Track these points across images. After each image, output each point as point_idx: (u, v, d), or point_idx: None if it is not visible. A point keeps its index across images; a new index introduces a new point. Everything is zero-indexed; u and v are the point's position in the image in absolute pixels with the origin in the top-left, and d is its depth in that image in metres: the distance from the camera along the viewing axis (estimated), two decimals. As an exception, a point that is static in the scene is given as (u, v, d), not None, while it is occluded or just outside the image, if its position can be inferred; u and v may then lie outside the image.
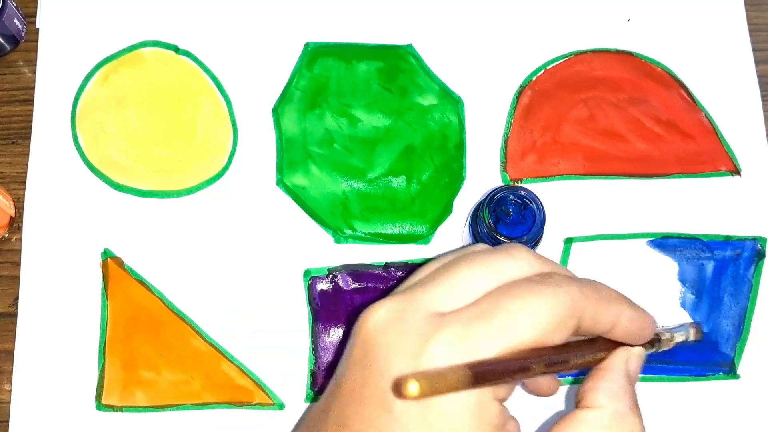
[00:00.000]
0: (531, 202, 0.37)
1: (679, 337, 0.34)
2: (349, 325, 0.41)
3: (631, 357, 0.30)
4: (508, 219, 0.37)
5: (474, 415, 0.26)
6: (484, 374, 0.24)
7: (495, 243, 0.37)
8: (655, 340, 0.32)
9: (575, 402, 0.29)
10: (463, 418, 0.26)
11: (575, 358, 0.28)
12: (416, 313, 0.27)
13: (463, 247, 0.31)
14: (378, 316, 0.27)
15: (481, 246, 0.31)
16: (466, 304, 0.27)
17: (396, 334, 0.26)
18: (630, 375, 0.29)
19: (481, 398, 0.26)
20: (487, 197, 0.37)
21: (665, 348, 0.33)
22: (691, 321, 0.38)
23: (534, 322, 0.26)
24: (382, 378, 0.26)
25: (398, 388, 0.24)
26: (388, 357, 0.26)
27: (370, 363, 0.27)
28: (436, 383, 0.23)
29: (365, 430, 0.26)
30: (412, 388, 0.22)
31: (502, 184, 0.44)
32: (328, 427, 0.28)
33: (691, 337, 0.34)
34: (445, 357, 0.25)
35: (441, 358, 0.25)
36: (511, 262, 0.28)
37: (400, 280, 0.42)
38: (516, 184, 0.44)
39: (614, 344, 0.30)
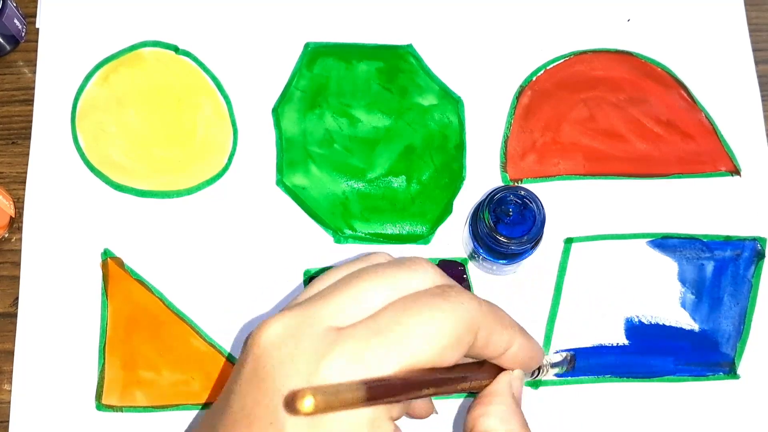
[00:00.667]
0: (531, 203, 0.37)
1: (557, 369, 0.35)
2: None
3: (514, 380, 0.30)
4: (508, 219, 0.37)
5: None
6: (379, 391, 0.24)
7: (495, 243, 0.37)
8: (535, 369, 0.33)
9: (466, 429, 0.29)
10: None
11: (464, 381, 0.28)
12: (312, 328, 0.26)
13: (365, 255, 0.31)
14: (272, 330, 0.26)
15: (382, 257, 0.31)
16: (364, 317, 0.26)
17: (290, 350, 0.26)
18: (515, 397, 0.30)
19: (375, 417, 0.25)
20: (487, 197, 0.37)
21: (542, 377, 0.34)
22: (568, 353, 0.38)
23: (432, 338, 0.26)
24: (274, 396, 0.25)
25: (291, 404, 0.23)
26: (281, 374, 0.25)
27: (261, 380, 0.26)
28: (331, 399, 0.22)
29: None
30: (307, 403, 0.21)
31: (502, 184, 0.44)
32: None
33: (566, 367, 0.35)
34: (339, 374, 0.25)
35: (336, 376, 0.25)
36: (411, 274, 0.28)
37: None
38: (516, 184, 0.44)
39: (499, 370, 0.30)
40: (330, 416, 0.25)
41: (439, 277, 0.28)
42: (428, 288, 0.28)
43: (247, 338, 0.28)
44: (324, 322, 0.26)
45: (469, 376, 0.29)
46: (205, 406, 0.40)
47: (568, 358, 0.35)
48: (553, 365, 0.35)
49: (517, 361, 0.29)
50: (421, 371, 0.26)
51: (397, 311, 0.26)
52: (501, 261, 0.39)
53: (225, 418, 0.27)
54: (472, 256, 0.42)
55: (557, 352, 0.36)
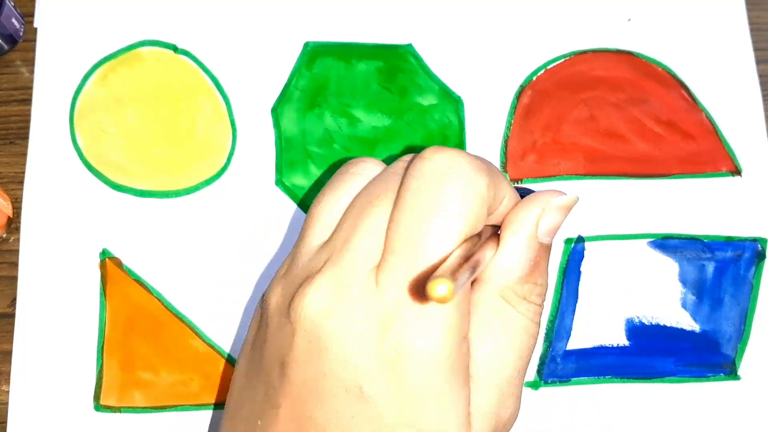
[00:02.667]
0: None
1: None
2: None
3: (548, 212, 0.27)
4: None
5: (450, 369, 0.25)
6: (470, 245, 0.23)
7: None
8: None
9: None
10: (440, 376, 0.24)
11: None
12: (353, 284, 0.25)
13: (347, 165, 0.29)
14: (315, 302, 0.25)
15: (372, 163, 0.29)
16: (384, 239, 0.25)
17: (341, 318, 0.25)
18: (536, 234, 0.26)
19: (451, 346, 0.25)
20: None
21: None
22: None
23: (469, 198, 0.24)
24: (343, 367, 0.24)
25: (423, 296, 0.22)
26: (343, 344, 0.24)
27: (320, 353, 0.25)
28: (454, 273, 0.21)
29: (337, 421, 0.25)
30: (441, 290, 0.21)
31: (502, 184, 0.44)
32: (279, 424, 0.26)
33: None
34: (407, 334, 0.24)
35: (404, 336, 0.24)
36: (388, 171, 0.27)
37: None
38: (517, 184, 0.44)
39: None
40: (409, 369, 0.24)
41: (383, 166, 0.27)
42: (409, 172, 0.26)
43: (274, 305, 0.27)
44: (359, 272, 0.25)
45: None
46: (205, 407, 0.40)
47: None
48: None
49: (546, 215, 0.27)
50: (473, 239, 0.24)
51: (409, 229, 0.24)
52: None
53: (284, 390, 0.26)
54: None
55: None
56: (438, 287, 0.21)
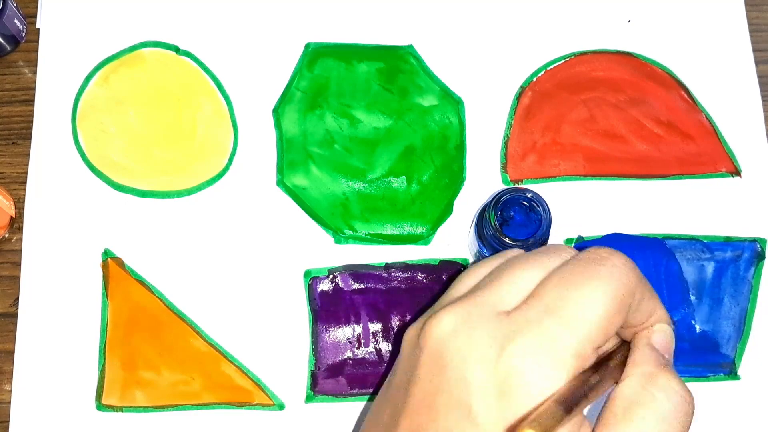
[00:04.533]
0: (538, 205, 0.37)
1: None
2: (398, 337, 0.41)
3: (655, 332, 0.28)
4: (514, 221, 0.37)
5: None
6: (572, 403, 0.24)
7: (500, 245, 0.37)
8: None
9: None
10: None
11: (617, 362, 0.27)
12: (482, 316, 0.26)
13: (498, 254, 0.32)
14: (444, 323, 0.27)
15: (519, 251, 0.31)
16: (525, 296, 0.27)
17: (466, 339, 0.26)
18: (652, 345, 0.28)
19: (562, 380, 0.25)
20: (493, 199, 0.37)
21: None
22: None
23: (600, 305, 0.25)
24: (458, 384, 0.25)
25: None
26: (463, 362, 0.26)
27: (441, 370, 0.26)
28: (546, 428, 0.23)
29: None
30: None
31: (503, 184, 0.44)
32: None
33: None
34: (522, 357, 0.25)
35: (519, 360, 0.25)
36: (558, 258, 0.28)
37: (403, 280, 0.42)
38: (517, 185, 0.44)
39: None
40: (518, 400, 0.24)
41: (576, 252, 0.28)
42: (575, 256, 0.28)
43: (409, 337, 0.28)
44: (491, 308, 0.27)
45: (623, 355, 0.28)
46: (205, 406, 0.40)
47: None
48: None
49: (658, 331, 0.29)
50: (585, 374, 0.25)
51: (559, 286, 0.26)
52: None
53: (406, 411, 0.27)
54: (476, 257, 0.42)
55: None
56: None
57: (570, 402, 0.24)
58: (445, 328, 0.27)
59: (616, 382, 0.27)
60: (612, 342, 0.30)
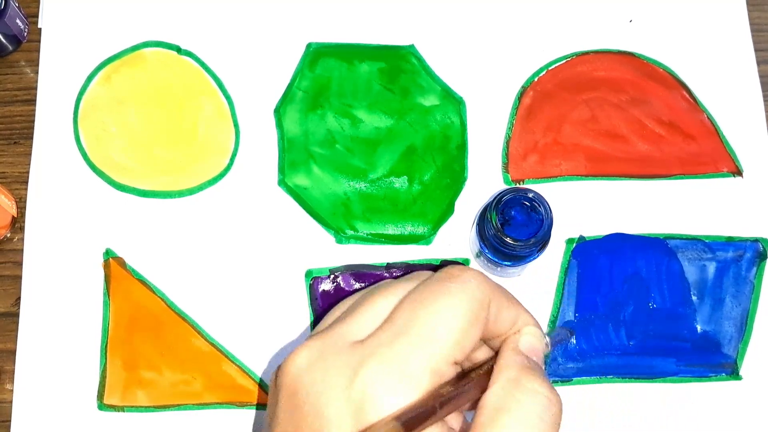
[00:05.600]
0: (539, 205, 0.37)
1: (556, 343, 0.34)
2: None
3: (522, 336, 0.29)
4: (516, 221, 0.37)
5: None
6: (413, 423, 0.24)
7: (502, 245, 0.37)
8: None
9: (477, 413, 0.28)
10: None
11: (485, 381, 0.27)
12: (335, 347, 0.27)
13: (371, 286, 0.32)
14: (298, 359, 0.27)
15: (387, 281, 0.31)
16: (380, 324, 0.27)
17: (320, 371, 0.26)
18: (518, 349, 0.28)
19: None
20: (494, 199, 0.37)
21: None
22: (566, 327, 0.39)
23: (451, 322, 0.26)
24: (315, 419, 0.25)
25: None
26: (318, 394, 0.26)
27: (297, 408, 0.26)
28: None
29: None
30: None
31: (504, 184, 0.44)
32: None
33: (566, 340, 0.35)
34: (374, 382, 0.25)
35: (370, 383, 0.25)
36: (413, 279, 0.28)
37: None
38: (519, 185, 0.44)
39: None
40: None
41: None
42: (429, 277, 0.28)
43: (275, 374, 0.28)
44: (345, 339, 0.27)
45: (483, 369, 0.28)
46: (207, 406, 0.40)
47: (568, 333, 0.35)
48: (554, 341, 0.34)
49: (525, 335, 0.29)
50: (442, 388, 0.26)
51: (411, 307, 0.27)
52: (506, 263, 0.39)
53: None
54: (478, 257, 0.42)
55: (557, 331, 0.35)
56: None
57: (412, 417, 0.24)
58: (299, 364, 0.27)
59: (483, 391, 0.27)
60: (485, 353, 0.30)
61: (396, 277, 0.42)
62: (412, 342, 0.25)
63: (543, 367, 0.29)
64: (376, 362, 0.25)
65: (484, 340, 0.30)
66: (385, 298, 0.28)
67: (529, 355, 0.28)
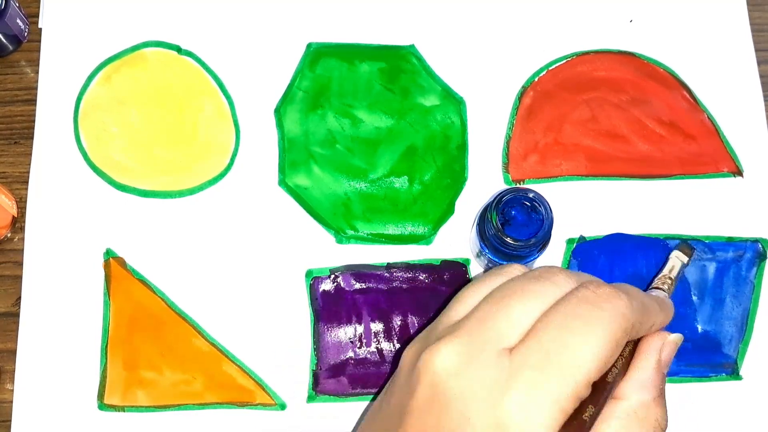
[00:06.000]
0: (539, 205, 0.37)
1: (673, 270, 0.37)
2: (396, 357, 0.41)
3: (666, 345, 0.30)
4: (516, 221, 0.37)
5: None
6: None
7: (502, 245, 0.37)
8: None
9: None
10: None
11: (616, 372, 0.29)
12: (483, 353, 0.27)
13: (496, 267, 0.32)
14: (447, 359, 0.27)
15: (518, 268, 0.32)
16: (524, 332, 0.28)
17: (468, 379, 0.27)
18: (661, 363, 0.30)
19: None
20: (495, 199, 0.37)
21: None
22: (686, 246, 0.39)
23: (598, 351, 0.27)
24: (461, 423, 0.26)
25: None
26: (465, 402, 0.26)
27: (442, 404, 0.27)
28: None
29: None
30: None
31: (504, 184, 0.44)
32: None
33: (685, 260, 0.36)
34: (523, 403, 0.26)
35: (519, 405, 0.26)
36: (555, 288, 0.29)
37: (404, 280, 0.42)
38: (519, 185, 0.44)
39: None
40: None
41: (576, 279, 0.29)
42: (573, 292, 0.28)
43: (407, 359, 0.29)
44: (492, 346, 0.27)
45: (619, 367, 0.29)
46: (207, 406, 0.40)
47: (687, 252, 0.36)
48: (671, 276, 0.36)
49: (666, 347, 0.30)
50: (584, 411, 0.27)
51: (558, 329, 0.27)
52: (506, 263, 0.39)
53: None
54: (478, 257, 0.42)
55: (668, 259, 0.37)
56: None
57: None
58: (446, 364, 0.27)
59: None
60: None
61: (397, 277, 0.42)
62: (561, 368, 0.26)
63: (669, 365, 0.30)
64: (525, 385, 0.26)
65: None
66: (526, 305, 0.28)
67: (664, 367, 0.30)
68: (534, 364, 0.26)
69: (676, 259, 0.38)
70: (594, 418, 0.27)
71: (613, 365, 0.29)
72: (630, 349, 0.30)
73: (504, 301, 0.29)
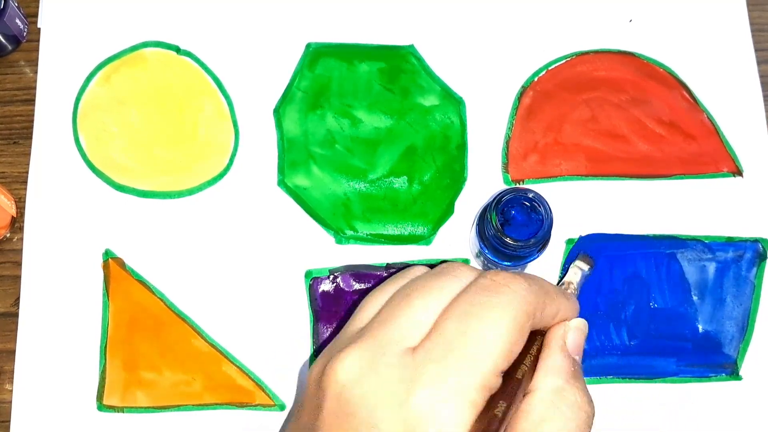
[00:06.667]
0: (539, 205, 0.37)
1: (574, 277, 0.36)
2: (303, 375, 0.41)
3: (569, 331, 0.30)
4: (516, 221, 0.37)
5: None
6: None
7: (502, 245, 0.37)
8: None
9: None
10: None
11: (526, 369, 0.28)
12: (385, 356, 0.27)
13: (400, 269, 0.32)
14: (348, 365, 0.27)
15: (419, 269, 0.31)
16: (428, 330, 0.27)
17: (372, 383, 0.26)
18: (566, 348, 0.29)
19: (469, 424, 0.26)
20: (494, 199, 0.37)
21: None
22: (584, 256, 0.39)
23: (501, 337, 0.26)
24: (368, 430, 0.26)
25: None
26: (370, 409, 0.26)
27: (347, 417, 0.26)
28: None
29: None
30: None
31: (504, 184, 0.44)
32: None
33: (585, 268, 0.36)
34: (430, 399, 0.25)
35: (426, 402, 0.25)
36: (456, 281, 0.28)
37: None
38: (519, 185, 0.44)
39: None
40: None
41: (476, 272, 0.29)
42: (472, 282, 0.28)
43: (319, 375, 0.28)
44: (394, 347, 0.27)
45: (526, 362, 0.29)
46: (206, 406, 0.40)
47: (588, 262, 0.36)
48: (572, 278, 0.36)
49: (571, 330, 0.30)
50: (495, 408, 0.26)
51: (459, 320, 0.27)
52: (506, 263, 0.39)
53: None
54: (477, 257, 0.42)
55: (567, 266, 0.36)
56: None
57: None
58: (349, 373, 0.27)
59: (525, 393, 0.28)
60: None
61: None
62: (465, 358, 0.26)
63: (581, 364, 0.30)
64: (430, 380, 0.26)
65: None
66: (427, 301, 0.28)
67: (574, 353, 0.29)
68: (437, 357, 0.26)
69: (577, 268, 0.38)
70: (507, 413, 0.26)
71: (522, 362, 0.28)
72: (538, 347, 0.30)
73: (405, 301, 0.28)
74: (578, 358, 0.30)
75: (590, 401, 0.28)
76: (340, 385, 0.27)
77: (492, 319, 0.26)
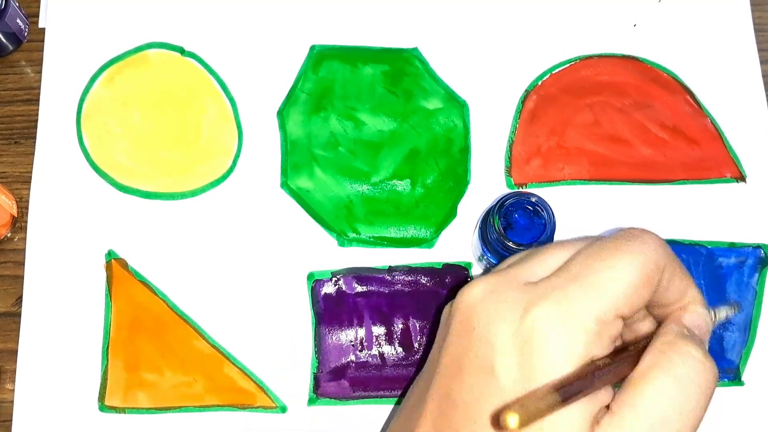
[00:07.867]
0: (542, 210, 0.37)
1: (720, 314, 0.33)
2: (438, 313, 0.40)
3: (688, 313, 0.28)
4: (518, 225, 0.37)
5: (574, 364, 0.26)
6: (571, 392, 0.24)
7: (504, 249, 0.37)
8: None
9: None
10: (564, 366, 0.25)
11: (637, 345, 0.27)
12: (510, 284, 0.28)
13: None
14: (474, 291, 0.28)
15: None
16: (554, 271, 0.28)
17: (493, 302, 0.27)
18: (681, 322, 0.28)
19: (582, 343, 0.26)
20: (497, 203, 0.37)
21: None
22: (734, 302, 0.39)
23: (624, 277, 0.26)
24: (483, 344, 0.27)
25: (497, 423, 0.25)
26: (488, 323, 0.27)
27: (468, 331, 0.28)
28: (532, 413, 0.23)
29: (467, 397, 0.27)
30: (512, 421, 0.22)
31: (507, 188, 0.44)
32: (429, 402, 0.28)
33: (731, 313, 0.34)
34: (544, 318, 0.26)
35: (540, 320, 0.26)
36: (592, 239, 0.29)
37: (406, 283, 0.42)
38: (522, 188, 0.44)
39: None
40: (539, 352, 0.25)
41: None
42: (610, 235, 0.28)
43: (450, 305, 0.30)
44: (520, 279, 0.28)
45: (642, 344, 0.28)
46: (208, 408, 0.40)
47: (734, 308, 0.34)
48: (720, 318, 0.33)
49: (690, 311, 0.29)
50: (599, 360, 0.26)
51: (586, 258, 0.27)
52: None
53: (437, 375, 0.29)
54: (480, 260, 0.42)
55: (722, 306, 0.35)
56: (510, 418, 0.22)
57: (570, 388, 0.24)
58: (474, 295, 0.28)
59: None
60: (648, 326, 0.30)
61: (399, 280, 0.42)
62: (584, 288, 0.26)
63: (705, 345, 0.29)
64: (547, 302, 0.26)
65: (650, 310, 0.30)
66: (563, 249, 0.29)
67: (692, 330, 0.28)
68: (558, 285, 0.27)
69: (725, 311, 0.36)
70: (607, 369, 0.25)
71: (608, 363, 0.27)
72: (633, 355, 0.28)
73: (541, 249, 0.29)
74: (698, 334, 0.28)
75: (709, 357, 0.27)
76: (464, 305, 0.28)
77: (618, 258, 0.27)
